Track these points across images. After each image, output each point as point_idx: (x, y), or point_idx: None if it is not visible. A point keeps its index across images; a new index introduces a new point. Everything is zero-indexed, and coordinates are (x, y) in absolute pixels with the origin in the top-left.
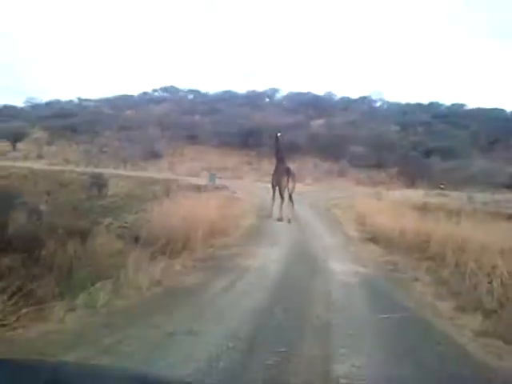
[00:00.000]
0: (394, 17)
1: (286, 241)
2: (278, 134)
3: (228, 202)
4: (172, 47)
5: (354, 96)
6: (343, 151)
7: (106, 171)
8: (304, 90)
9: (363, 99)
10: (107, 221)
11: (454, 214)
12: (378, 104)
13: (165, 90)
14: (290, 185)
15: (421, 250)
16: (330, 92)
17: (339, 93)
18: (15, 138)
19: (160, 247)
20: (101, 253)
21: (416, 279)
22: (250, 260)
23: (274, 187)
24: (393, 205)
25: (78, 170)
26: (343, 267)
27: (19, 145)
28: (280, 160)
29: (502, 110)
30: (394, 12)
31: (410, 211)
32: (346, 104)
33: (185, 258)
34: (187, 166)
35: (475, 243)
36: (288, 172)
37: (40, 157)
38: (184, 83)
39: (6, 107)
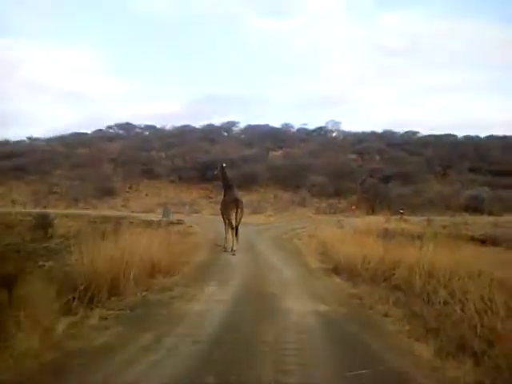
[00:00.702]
0: (341, 50)
1: (239, 277)
2: (224, 164)
3: (181, 238)
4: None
5: (311, 127)
6: (303, 181)
7: (56, 211)
8: (261, 123)
9: (320, 130)
10: (49, 264)
11: (416, 238)
12: (334, 134)
13: (120, 126)
14: (238, 215)
15: (387, 278)
16: (287, 123)
17: (296, 124)
18: None
19: (79, 294)
20: (26, 304)
21: (386, 315)
22: (190, 304)
23: (224, 218)
24: (354, 232)
25: (25, 211)
26: (302, 306)
27: None
28: (228, 188)
29: (454, 135)
30: (342, 45)
31: (372, 238)
32: (304, 135)
33: (108, 307)
34: (142, 203)
35: (441, 268)
36: (236, 202)
37: None
38: (140, 120)
39: None
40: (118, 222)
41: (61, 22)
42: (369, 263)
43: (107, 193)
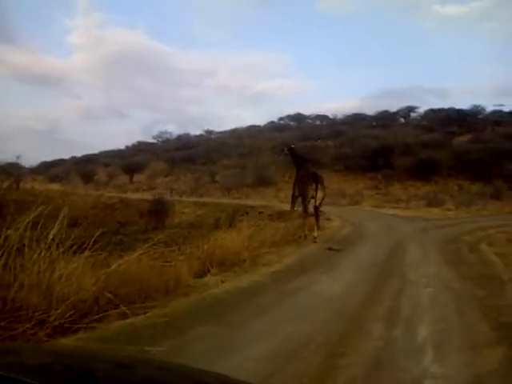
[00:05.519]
0: None
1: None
2: (292, 146)
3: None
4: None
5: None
6: (497, 170)
7: (205, 200)
8: (445, 106)
9: None
10: None
11: None
12: None
13: (291, 118)
14: (319, 194)
15: None
16: (477, 105)
17: (488, 106)
18: (134, 171)
19: None
20: None
21: None
22: None
23: (294, 198)
24: None
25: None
26: None
27: (138, 177)
28: (300, 166)
29: None
30: None
31: None
32: (498, 117)
33: None
34: None
35: None
36: (315, 178)
37: (152, 188)
38: (310, 110)
39: (139, 143)
40: (242, 211)
41: (241, 33)
42: None
43: (263, 182)
